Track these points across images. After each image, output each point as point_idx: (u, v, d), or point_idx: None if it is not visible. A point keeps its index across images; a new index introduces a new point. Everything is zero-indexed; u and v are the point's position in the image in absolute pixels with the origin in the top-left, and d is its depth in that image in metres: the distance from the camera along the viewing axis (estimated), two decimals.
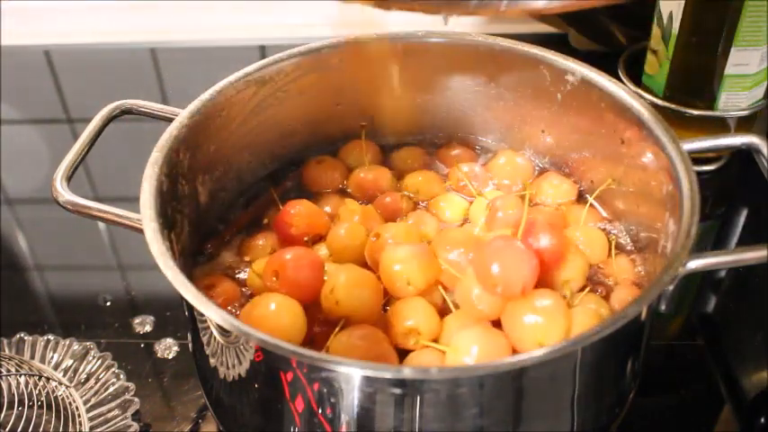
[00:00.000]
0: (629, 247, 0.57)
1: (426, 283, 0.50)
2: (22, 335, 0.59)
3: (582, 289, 0.52)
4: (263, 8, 1.01)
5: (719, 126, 0.74)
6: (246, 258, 0.57)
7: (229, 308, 0.53)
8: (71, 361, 0.58)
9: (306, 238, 0.56)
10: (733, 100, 0.72)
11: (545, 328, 0.46)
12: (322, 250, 0.56)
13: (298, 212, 0.57)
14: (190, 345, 0.52)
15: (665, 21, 0.72)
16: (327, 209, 0.60)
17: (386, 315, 0.51)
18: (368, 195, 0.62)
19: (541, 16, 0.95)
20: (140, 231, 0.47)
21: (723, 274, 0.68)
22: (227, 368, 0.45)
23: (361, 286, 0.50)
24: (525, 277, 0.47)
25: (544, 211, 0.59)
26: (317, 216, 0.58)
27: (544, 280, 0.50)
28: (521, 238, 0.50)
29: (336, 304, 0.49)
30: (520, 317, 0.47)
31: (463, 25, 1.00)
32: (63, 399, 0.54)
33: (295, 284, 0.51)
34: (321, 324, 0.51)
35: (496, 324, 0.49)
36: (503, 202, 0.56)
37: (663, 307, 0.65)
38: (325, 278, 0.52)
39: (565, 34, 0.97)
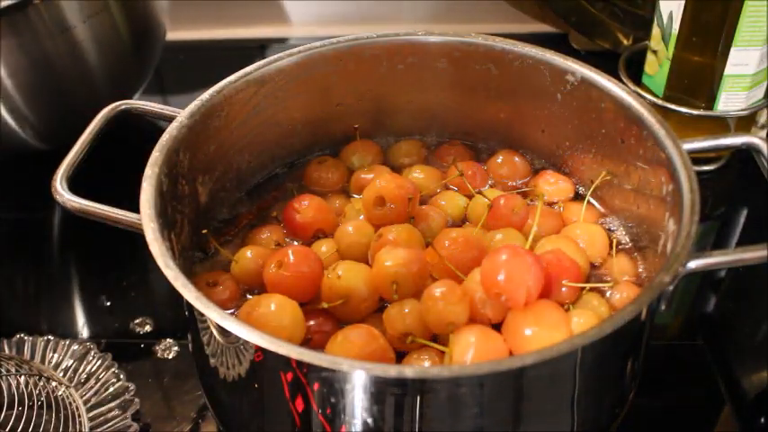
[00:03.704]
0: (629, 246, 0.57)
1: (415, 290, 0.50)
2: (22, 335, 0.59)
3: (582, 288, 0.52)
4: (265, 6, 1.01)
5: (719, 126, 0.74)
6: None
7: (231, 305, 0.54)
8: (71, 361, 0.58)
9: (310, 231, 0.57)
10: (733, 100, 0.72)
11: (545, 342, 0.46)
12: (323, 248, 0.56)
13: (306, 202, 0.58)
14: (190, 345, 0.52)
15: (665, 21, 0.72)
16: None
17: (381, 318, 0.51)
18: None
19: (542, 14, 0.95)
20: (140, 231, 0.47)
21: (723, 274, 0.68)
22: (227, 368, 0.45)
23: (362, 265, 0.52)
24: (530, 289, 0.47)
25: (547, 210, 0.59)
26: (324, 209, 0.59)
27: (548, 290, 0.50)
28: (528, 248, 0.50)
29: (339, 278, 0.50)
30: (521, 328, 0.47)
31: (463, 25, 1.00)
32: (63, 399, 0.54)
33: (298, 274, 0.51)
34: (317, 323, 0.51)
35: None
36: (505, 201, 0.56)
37: (663, 307, 0.65)
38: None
39: (565, 34, 0.97)
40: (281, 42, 1.01)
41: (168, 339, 0.62)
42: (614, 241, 0.57)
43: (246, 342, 0.42)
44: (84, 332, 0.63)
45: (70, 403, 0.54)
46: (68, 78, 0.71)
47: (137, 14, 0.76)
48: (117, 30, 0.74)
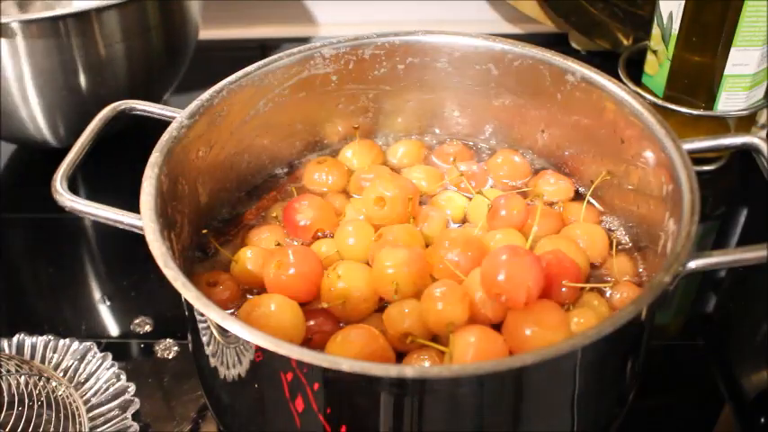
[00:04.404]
0: (629, 246, 0.57)
1: (415, 291, 0.50)
2: (22, 335, 0.59)
3: (582, 288, 0.52)
4: (265, 6, 1.01)
5: (719, 126, 0.74)
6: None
7: (231, 305, 0.54)
8: (71, 361, 0.58)
9: (310, 231, 0.57)
10: (733, 100, 0.72)
11: (545, 342, 0.46)
12: (323, 248, 0.56)
13: (306, 202, 0.58)
14: (190, 345, 0.52)
15: (665, 21, 0.72)
16: None
17: (381, 318, 0.51)
18: None
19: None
20: (140, 231, 0.47)
21: (723, 274, 0.68)
22: (227, 368, 0.45)
23: (362, 265, 0.53)
24: (530, 289, 0.47)
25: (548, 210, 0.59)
26: (324, 209, 0.58)
27: (549, 290, 0.50)
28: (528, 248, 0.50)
29: (339, 278, 0.50)
30: (521, 328, 0.47)
31: (463, 25, 1.00)
32: (63, 399, 0.54)
33: (298, 274, 0.51)
34: (317, 323, 0.51)
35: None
36: (505, 201, 0.56)
37: (663, 307, 0.65)
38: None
39: (565, 34, 0.97)
40: (284, 42, 1.01)
41: (168, 339, 0.62)
42: (614, 241, 0.57)
43: (246, 342, 0.42)
44: (85, 332, 0.63)
45: (70, 403, 0.54)
46: (102, 87, 0.73)
47: (175, 33, 0.79)
48: (154, 48, 0.76)
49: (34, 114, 0.73)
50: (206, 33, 0.99)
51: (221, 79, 0.57)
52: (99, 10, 0.69)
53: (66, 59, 0.69)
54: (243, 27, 1.02)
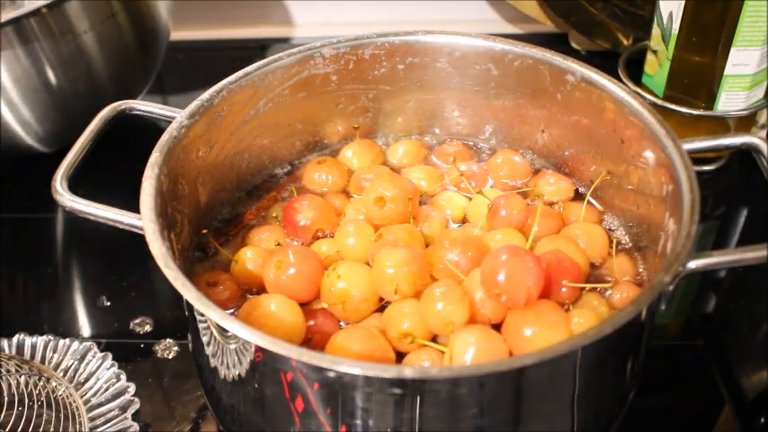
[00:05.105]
0: (629, 246, 0.57)
1: (415, 291, 0.50)
2: (22, 335, 0.59)
3: (582, 288, 0.52)
4: (267, 7, 1.02)
5: (719, 126, 0.74)
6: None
7: (231, 305, 0.54)
8: (71, 361, 0.58)
9: (310, 231, 0.57)
10: (733, 100, 0.72)
11: (545, 342, 0.46)
12: (323, 247, 0.56)
13: (306, 202, 0.58)
14: (190, 345, 0.52)
15: (665, 21, 0.72)
16: None
17: (381, 318, 0.51)
18: None
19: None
20: (140, 231, 0.47)
21: (723, 274, 0.68)
22: (227, 368, 0.45)
23: (362, 265, 0.53)
24: (530, 289, 0.47)
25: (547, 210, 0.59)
26: (324, 209, 0.58)
27: (549, 290, 0.50)
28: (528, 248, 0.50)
29: (339, 278, 0.50)
30: (521, 328, 0.47)
31: (463, 25, 1.00)
32: (63, 399, 0.54)
33: (298, 274, 0.51)
34: (317, 323, 0.51)
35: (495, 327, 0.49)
36: (505, 201, 0.56)
37: (663, 307, 0.65)
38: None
39: (565, 34, 0.97)
40: (283, 42, 1.01)
41: (168, 339, 0.62)
42: (614, 241, 0.57)
43: (246, 342, 0.42)
44: (84, 332, 0.63)
45: (70, 403, 0.54)
46: (74, 83, 0.72)
47: (142, 18, 0.77)
48: (123, 34, 0.75)
49: (22, 121, 0.72)
50: (205, 34, 0.99)
51: (220, 79, 0.57)
52: (60, 1, 0.67)
53: (37, 59, 0.68)
54: (243, 27, 1.02)
